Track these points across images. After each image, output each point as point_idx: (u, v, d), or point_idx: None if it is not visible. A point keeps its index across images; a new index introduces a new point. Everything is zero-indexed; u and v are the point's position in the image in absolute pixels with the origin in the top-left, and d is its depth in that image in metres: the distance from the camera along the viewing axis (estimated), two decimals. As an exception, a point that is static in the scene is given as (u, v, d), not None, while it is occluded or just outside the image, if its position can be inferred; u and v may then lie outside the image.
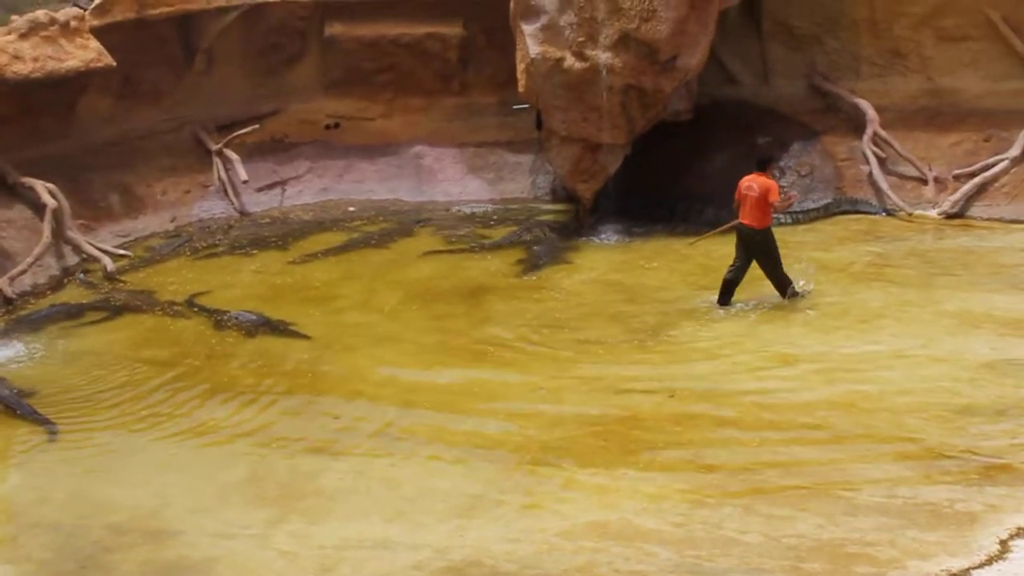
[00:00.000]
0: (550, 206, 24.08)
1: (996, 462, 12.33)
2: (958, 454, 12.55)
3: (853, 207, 22.25)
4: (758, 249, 17.87)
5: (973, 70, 23.20)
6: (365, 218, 23.72)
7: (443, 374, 15.73)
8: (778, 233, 20.51)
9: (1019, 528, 10.94)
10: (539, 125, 22.49)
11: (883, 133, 22.89)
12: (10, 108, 21.15)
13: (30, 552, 11.56)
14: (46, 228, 20.38)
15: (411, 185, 25.06)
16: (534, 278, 19.74)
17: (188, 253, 21.82)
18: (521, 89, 21.87)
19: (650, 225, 22.15)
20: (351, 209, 24.32)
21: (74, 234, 21.11)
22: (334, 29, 25.62)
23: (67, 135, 22.61)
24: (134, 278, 20.45)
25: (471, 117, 25.80)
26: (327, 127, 25.93)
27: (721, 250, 20.15)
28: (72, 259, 20.96)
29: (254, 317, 17.85)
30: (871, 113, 23.14)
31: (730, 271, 17.94)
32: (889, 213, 22.04)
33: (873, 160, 22.65)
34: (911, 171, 22.55)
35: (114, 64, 21.97)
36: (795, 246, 20.54)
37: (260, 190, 24.56)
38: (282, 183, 24.95)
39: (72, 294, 19.68)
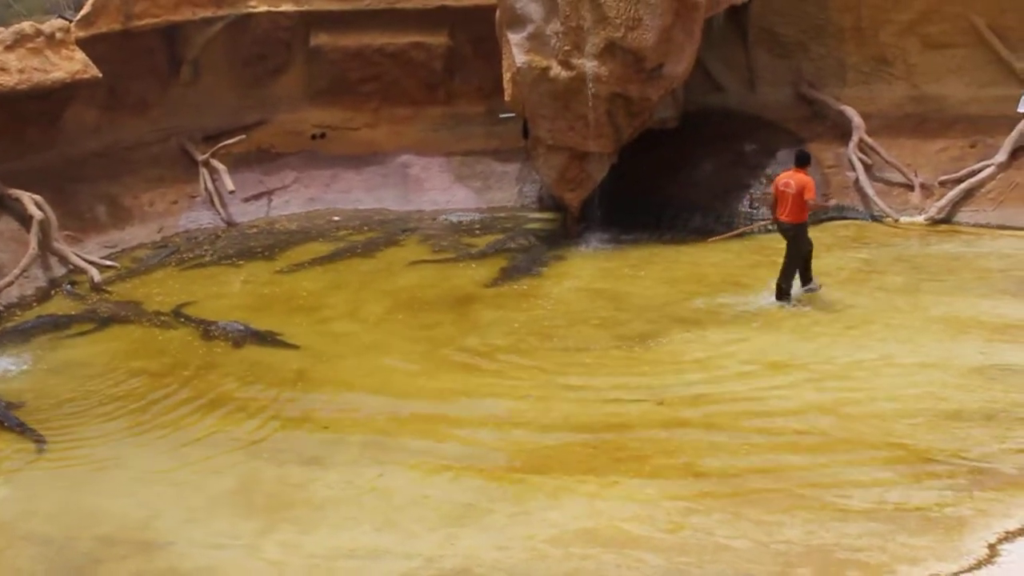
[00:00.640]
0: (537, 215, 24.12)
1: (985, 467, 12.36)
2: (947, 459, 12.57)
3: (840, 214, 22.27)
4: (791, 242, 18.26)
5: (958, 77, 23.28)
6: (352, 228, 23.74)
7: (431, 383, 15.70)
8: (766, 240, 20.69)
9: (1008, 532, 10.96)
10: (526, 134, 22.50)
11: (869, 140, 22.97)
12: (-4, 119, 21.16)
13: (20, 565, 11.52)
14: (33, 240, 20.37)
15: (398, 194, 25.09)
16: (510, 288, 19.70)
17: (175, 264, 21.79)
18: (507, 98, 21.90)
19: (637, 233, 22.19)
20: (337, 219, 24.33)
21: (61, 245, 21.08)
22: (319, 39, 25.66)
23: (53, 146, 22.61)
24: (121, 289, 20.43)
25: (457, 126, 25.84)
26: (313, 137, 25.96)
27: (711, 257, 20.31)
28: (59, 270, 20.94)
29: (241, 327, 17.82)
30: (857, 120, 23.22)
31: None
32: (876, 219, 22.08)
33: (859, 167, 22.73)
34: (897, 177, 22.62)
35: (100, 75, 21.99)
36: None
37: (247, 200, 24.58)
38: (268, 193, 24.96)
39: (59, 305, 19.64)
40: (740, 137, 23.85)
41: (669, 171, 23.29)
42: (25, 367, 17.01)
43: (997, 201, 21.89)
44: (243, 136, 24.95)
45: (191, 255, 22.27)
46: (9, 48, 20.88)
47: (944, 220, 21.60)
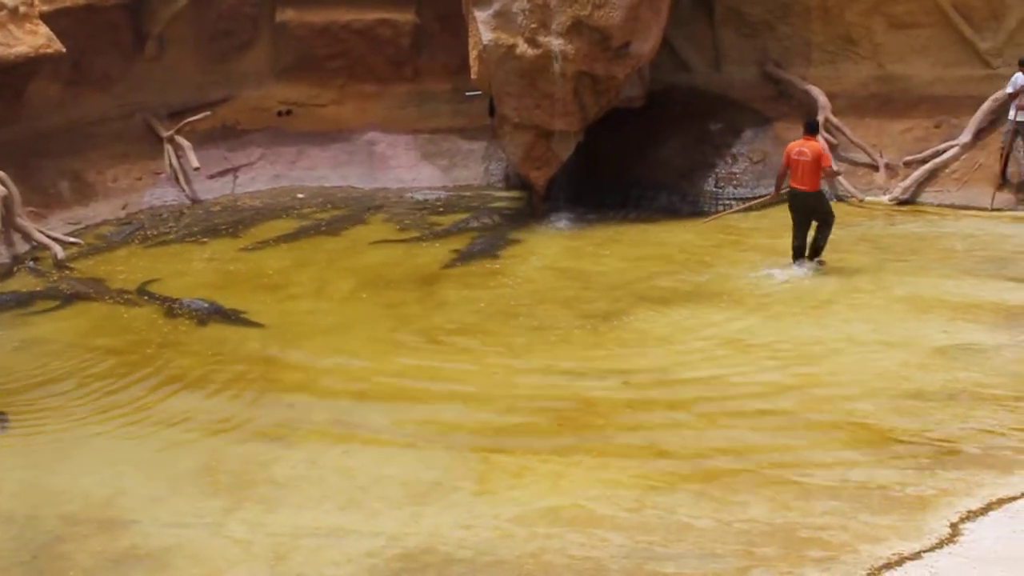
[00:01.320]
0: (503, 193, 24.14)
1: (947, 446, 12.41)
2: (909, 438, 12.62)
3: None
4: (811, 211, 18.56)
5: (923, 57, 23.37)
6: (317, 205, 23.70)
7: (396, 361, 15.67)
8: (730, 220, 20.74)
9: (970, 511, 11.01)
10: (492, 112, 22.47)
11: (834, 119, 23.04)
12: (-42, 94, 21.01)
13: (-19, 542, 11.48)
14: (-5, 216, 20.27)
15: (363, 172, 25.05)
16: (475, 267, 19.69)
17: (139, 241, 21.71)
18: (474, 76, 21.85)
19: (603, 212, 22.26)
20: (303, 196, 24.29)
21: (24, 221, 20.95)
22: (285, 15, 25.58)
23: (16, 121, 22.41)
24: (84, 266, 20.33)
25: (424, 104, 25.80)
26: (279, 114, 25.88)
27: (677, 237, 20.39)
28: (22, 247, 20.82)
29: (206, 305, 17.76)
30: (823, 100, 23.29)
31: (796, 239, 18.70)
32: (840, 199, 22.14)
33: (825, 146, 22.71)
34: (862, 157, 22.72)
35: (64, 50, 21.80)
36: (747, 232, 20.69)
37: (212, 177, 24.49)
38: (234, 170, 24.88)
39: (22, 282, 19.52)
40: (706, 116, 23.89)
41: (635, 150, 23.31)
42: (-12, 344, 16.95)
43: (961, 181, 22.00)
44: (208, 112, 24.85)
45: (155, 232, 22.19)
46: (-28, 23, 20.76)
47: (908, 200, 21.71)
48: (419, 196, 24.14)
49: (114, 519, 11.71)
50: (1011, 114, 21.34)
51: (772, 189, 20.75)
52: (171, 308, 17.89)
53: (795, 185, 18.52)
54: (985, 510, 11.05)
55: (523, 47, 20.81)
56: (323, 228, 22.16)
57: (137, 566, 10.81)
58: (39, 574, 10.80)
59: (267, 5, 25.53)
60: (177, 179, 24.15)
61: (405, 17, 25.61)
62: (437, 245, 20.83)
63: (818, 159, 18.26)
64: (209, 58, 25.60)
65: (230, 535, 11.31)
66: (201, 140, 24.50)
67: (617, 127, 22.43)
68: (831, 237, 18.75)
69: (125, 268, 20.08)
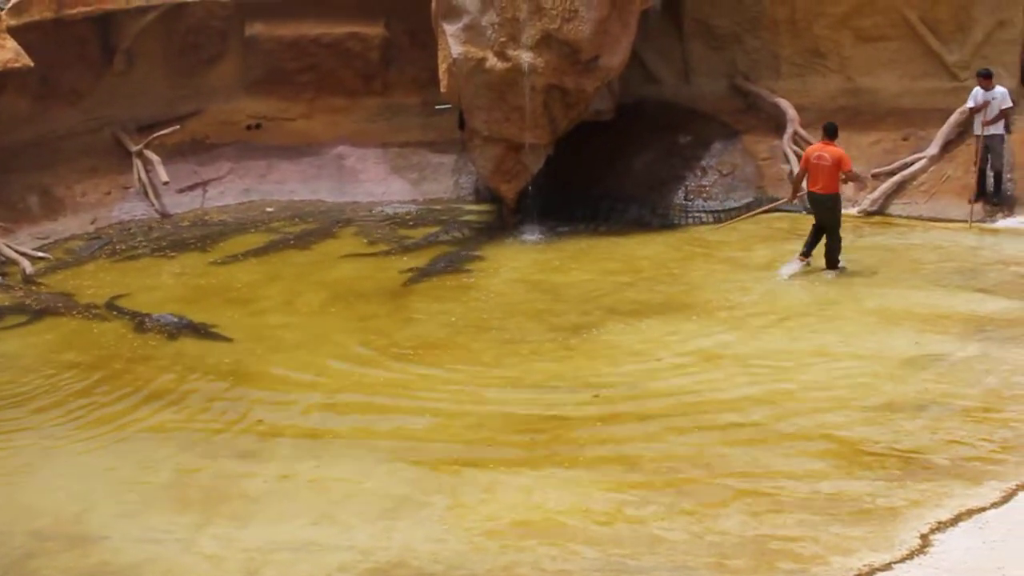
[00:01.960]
0: (473, 206, 24.13)
1: (917, 457, 12.45)
2: (879, 450, 12.65)
3: (774, 206, 22.40)
4: (828, 214, 18.92)
5: (891, 70, 23.46)
6: (287, 219, 23.65)
7: (368, 375, 15.67)
8: (699, 232, 20.80)
9: (940, 522, 11.05)
10: (462, 125, 22.48)
11: (803, 132, 23.10)
12: (-74, 108, 20.93)
13: (-51, 559, 11.42)
14: (-36, 230, 20.19)
15: (333, 186, 25.01)
16: (445, 280, 19.68)
17: (108, 255, 21.65)
18: (443, 89, 21.87)
19: (573, 224, 22.28)
20: (272, 210, 24.24)
21: (-8, 237, 20.89)
22: (255, 29, 25.54)
23: (-16, 135, 22.37)
24: (53, 281, 20.26)
25: (393, 117, 25.78)
26: (248, 127, 25.81)
27: (647, 249, 20.43)
28: (-10, 262, 20.74)
29: (176, 319, 17.71)
30: (791, 112, 23.36)
31: (811, 238, 19.14)
32: (810, 212, 22.16)
33: (794, 159, 22.83)
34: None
35: (32, 64, 21.76)
36: (716, 245, 20.76)
37: (181, 191, 24.42)
38: (203, 184, 24.82)
39: (-10, 297, 19.47)
40: (675, 129, 23.94)
41: (605, 163, 23.35)
42: (-44, 360, 16.87)
43: (929, 193, 22.09)
44: (177, 126, 24.75)
45: (124, 247, 22.13)
46: (-61, 36, 20.68)
47: (877, 212, 21.77)
48: (389, 210, 24.10)
49: (84, 535, 11.67)
50: (976, 129, 21.47)
51: (745, 201, 21.03)
52: (141, 323, 17.83)
53: (814, 188, 18.91)
54: (955, 521, 11.09)
55: (493, 60, 20.83)
56: (293, 242, 22.11)
57: (107, 582, 10.79)
58: (8, 591, 10.76)
59: (236, 19, 25.48)
60: (146, 193, 24.06)
61: (374, 31, 25.60)
62: (406, 259, 20.80)
63: (838, 163, 18.61)
64: (178, 72, 25.52)
65: (201, 550, 11.28)
66: (170, 154, 24.42)
67: (587, 140, 22.47)
68: (794, 250, 18.94)
69: (94, 283, 20.01)
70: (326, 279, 19.93)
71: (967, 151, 21.98)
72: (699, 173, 23.07)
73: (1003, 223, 21.21)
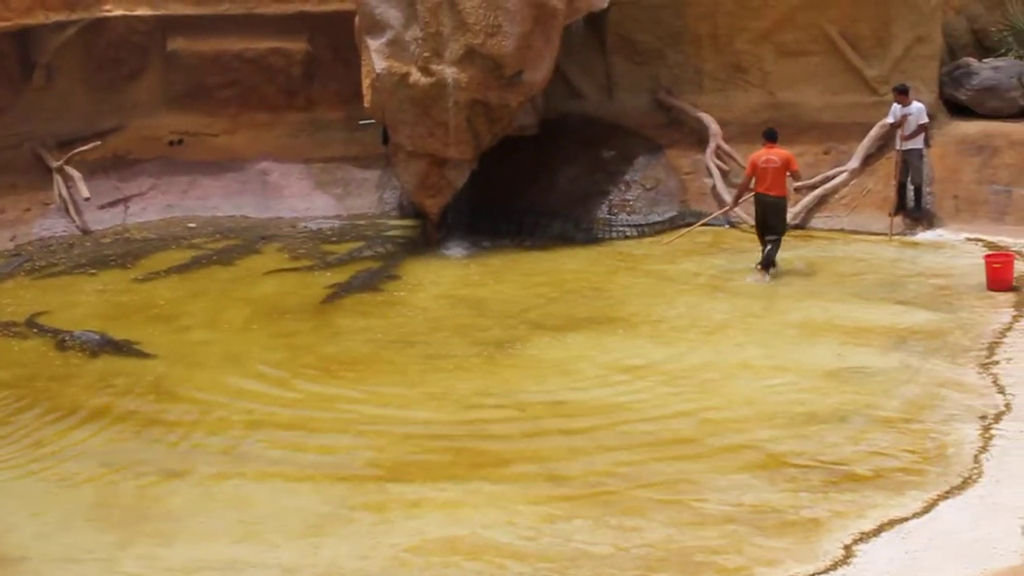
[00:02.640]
0: (398, 222, 24.09)
1: (839, 468, 12.55)
2: (803, 461, 12.74)
3: (697, 220, 22.51)
4: (777, 216, 19.56)
5: (812, 84, 23.68)
6: (210, 235, 23.50)
7: (292, 391, 15.59)
8: (623, 247, 20.88)
9: (863, 533, 11.14)
10: (386, 140, 22.44)
11: (726, 146, 23.28)
12: None
13: None
14: None
15: (257, 201, 24.88)
16: (369, 296, 19.62)
17: (28, 272, 21.39)
18: (367, 104, 21.84)
19: (497, 239, 22.29)
20: (195, 226, 24.08)
21: (-91, 254, 20.63)
22: (176, 44, 25.37)
23: (-98, 151, 22.07)
24: (-28, 299, 20.02)
25: (317, 132, 25.71)
26: (170, 143, 25.62)
27: (571, 264, 20.48)
28: (-93, 279, 20.48)
29: (97, 337, 17.54)
30: (714, 127, 23.52)
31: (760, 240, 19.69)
32: (733, 225, 22.36)
33: (716, 173, 23.03)
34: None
35: (-51, 80, 21.52)
36: (641, 259, 20.85)
37: (102, 208, 24.20)
38: (125, 200, 24.62)
39: (-93, 316, 19.19)
40: (599, 144, 24.00)
41: (529, 178, 23.37)
42: None
43: (850, 207, 22.33)
44: (99, 142, 24.55)
45: (45, 263, 21.89)
46: None
47: (799, 226, 21.93)
48: (313, 225, 24.02)
49: (3, 556, 11.52)
50: (897, 144, 21.71)
51: (669, 215, 21.24)
52: (62, 340, 17.63)
53: (762, 190, 19.45)
54: (878, 531, 11.19)
55: (416, 75, 20.82)
56: (216, 258, 21.98)
57: (28, 604, 10.67)
58: (-74, 614, 10.61)
59: (157, 34, 25.31)
60: (67, 210, 23.83)
61: (297, 46, 25.52)
62: (330, 274, 20.71)
63: (786, 164, 19.38)
64: (99, 87, 25.31)
65: (124, 570, 11.17)
66: (91, 170, 24.22)
67: (511, 155, 22.48)
68: (726, 263, 19.04)
69: (13, 300, 19.76)
70: (250, 295, 19.82)
71: (887, 165, 22.24)
72: (623, 187, 23.15)
73: (922, 236, 21.48)
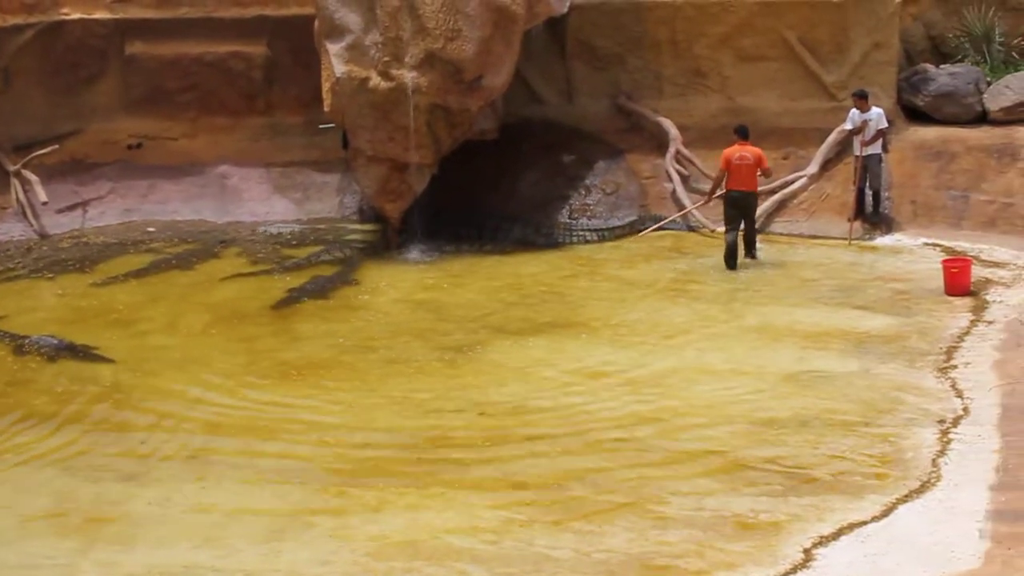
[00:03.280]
0: (358, 226, 24.04)
1: (799, 472, 12.58)
2: (762, 465, 12.77)
3: (657, 224, 22.58)
4: (750, 210, 20.32)
5: (771, 89, 23.78)
6: (169, 239, 23.41)
7: (252, 396, 15.53)
8: (583, 251, 20.92)
9: (822, 536, 11.17)
10: (346, 145, 22.40)
11: (685, 151, 23.36)
12: None
13: None
14: None
15: (216, 205, 24.79)
16: (329, 300, 19.58)
17: (-16, 277, 21.28)
18: (327, 108, 21.82)
19: (458, 244, 22.28)
20: (154, 230, 23.96)
21: None
22: (135, 47, 25.27)
23: None
24: (-72, 303, 19.87)
25: (277, 136, 25.63)
26: (129, 147, 25.50)
27: (531, 268, 20.48)
28: None
29: (55, 341, 17.43)
30: (674, 132, 23.59)
31: (730, 236, 20.15)
32: (692, 230, 22.45)
33: (676, 178, 23.10)
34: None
35: (-95, 83, 21.38)
36: (600, 263, 20.88)
37: (60, 212, 24.08)
38: (83, 204, 24.49)
39: None
40: (559, 148, 24.03)
41: (489, 182, 23.37)
42: None
43: (809, 212, 22.43)
44: (57, 146, 24.46)
45: (2, 268, 21.77)
46: None
47: (758, 230, 21.97)
48: (273, 230, 23.95)
49: (-40, 563, 11.45)
50: (856, 150, 21.83)
51: (629, 219, 21.37)
52: (19, 345, 17.52)
53: (737, 187, 20.06)
54: (837, 535, 11.22)
55: (376, 80, 20.81)
56: (175, 263, 21.90)
57: (-14, 610, 10.59)
58: None
59: (116, 37, 25.19)
60: (24, 214, 23.70)
61: (257, 50, 25.45)
62: (289, 279, 20.65)
63: (759, 160, 19.96)
64: (57, 91, 25.17)
65: (83, 576, 11.12)
66: (49, 174, 24.10)
67: (471, 160, 22.48)
68: (687, 267, 19.16)
69: (-31, 305, 19.66)
70: (209, 300, 19.75)
71: (846, 170, 22.37)
72: (583, 192, 23.19)
73: (881, 241, 21.60)
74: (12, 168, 23.91)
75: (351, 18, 20.90)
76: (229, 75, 25.48)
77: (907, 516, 11.52)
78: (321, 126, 24.18)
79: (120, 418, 14.93)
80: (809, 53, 23.46)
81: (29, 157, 23.99)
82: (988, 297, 18.21)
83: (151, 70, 25.36)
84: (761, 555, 10.91)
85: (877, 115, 21.72)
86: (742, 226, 20.33)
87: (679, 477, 12.64)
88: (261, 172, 25.25)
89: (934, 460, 12.75)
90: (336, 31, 21.00)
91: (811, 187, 22.63)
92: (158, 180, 25.09)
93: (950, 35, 24.69)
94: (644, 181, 23.51)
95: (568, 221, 22.86)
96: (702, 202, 21.99)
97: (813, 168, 22.69)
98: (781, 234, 22.17)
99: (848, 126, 21.96)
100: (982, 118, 23.11)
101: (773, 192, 22.55)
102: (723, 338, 16.95)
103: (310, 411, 14.91)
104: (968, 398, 14.44)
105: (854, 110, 21.82)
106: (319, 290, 19.99)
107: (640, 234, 22.37)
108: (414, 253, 21.99)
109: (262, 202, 24.85)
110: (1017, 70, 23.58)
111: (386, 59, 20.69)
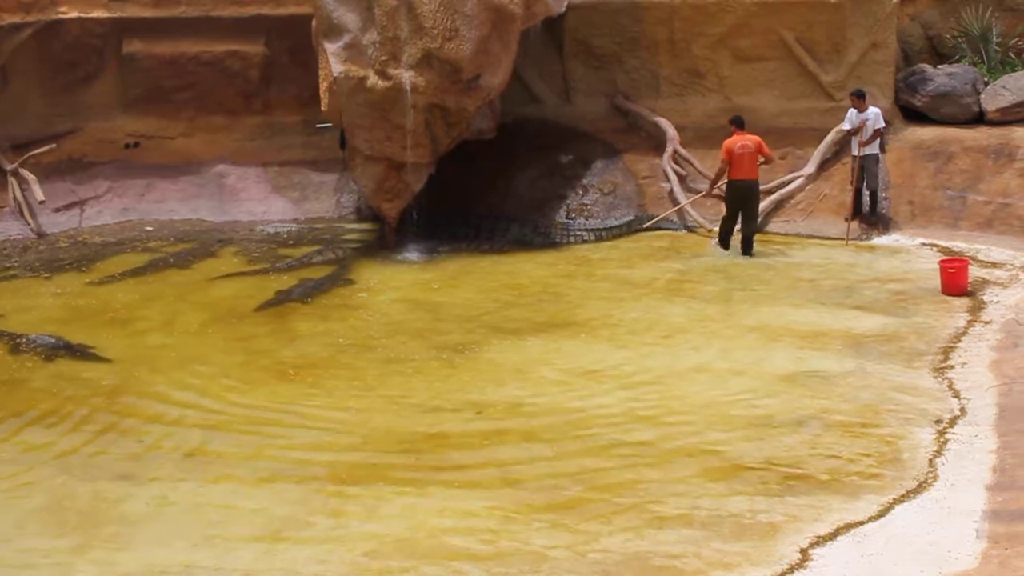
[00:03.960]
0: (355, 225, 24.06)
1: (795, 472, 12.59)
2: (759, 465, 12.78)
3: (660, 216, 22.61)
4: (753, 199, 20.76)
5: (768, 89, 23.82)
6: (166, 239, 23.40)
7: (249, 395, 15.51)
8: (581, 251, 20.91)
9: (819, 537, 11.18)
10: (343, 144, 22.41)
11: (683, 151, 23.38)
12: None
13: None
14: None
15: (213, 205, 24.80)
16: (327, 300, 19.57)
17: (-19, 276, 21.28)
18: (324, 108, 21.82)
19: (455, 243, 22.27)
20: (151, 229, 23.96)
21: None
22: (132, 47, 25.28)
23: None
24: (-75, 302, 19.87)
25: (274, 136, 25.64)
26: (127, 146, 25.51)
27: (528, 267, 20.52)
28: None
29: (52, 340, 17.43)
30: (671, 132, 23.61)
31: (727, 224, 20.90)
32: (690, 230, 22.47)
33: (673, 177, 23.11)
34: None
35: (-98, 82, 21.38)
36: (598, 263, 20.87)
37: (58, 211, 24.07)
38: (81, 203, 24.49)
39: None
40: (556, 148, 24.05)
41: (487, 182, 23.39)
42: None
43: (807, 212, 22.44)
44: (54, 145, 24.45)
45: (-1, 267, 21.81)
46: None
47: (756, 230, 22.00)
48: (270, 229, 23.96)
49: (-43, 561, 11.45)
50: (854, 150, 21.85)
51: (626, 219, 21.47)
52: (16, 344, 17.51)
53: (740, 176, 20.53)
54: (834, 535, 11.24)
55: (374, 79, 20.81)
56: (172, 262, 21.88)
57: (-18, 609, 10.59)
58: None
59: (113, 36, 25.20)
60: (22, 213, 23.70)
61: (255, 49, 25.46)
62: (286, 278, 20.65)
63: (759, 148, 20.46)
64: (54, 90, 25.18)
65: (79, 575, 11.10)
66: (47, 173, 24.10)
67: (469, 159, 22.51)
68: (684, 267, 19.15)
69: (-34, 304, 19.67)
70: (206, 299, 19.74)
71: (843, 170, 22.40)
72: (580, 192, 23.21)
73: (878, 241, 21.63)
74: (9, 167, 23.91)
75: (349, 17, 20.90)
76: (227, 74, 25.49)
77: (904, 516, 11.54)
78: (319, 125, 24.21)
79: (117, 417, 14.90)
80: (807, 53, 23.49)
81: (26, 156, 23.97)
82: (985, 297, 18.23)
83: (149, 69, 25.37)
84: (758, 555, 10.92)
85: (875, 115, 21.75)
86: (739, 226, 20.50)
87: (676, 477, 12.63)
88: (259, 171, 25.25)
89: (931, 460, 12.77)
90: (334, 30, 21.00)
91: (808, 187, 22.65)
92: (155, 179, 25.09)
93: (947, 35, 24.75)
94: (641, 181, 23.53)
95: (565, 221, 22.88)
96: (704, 192, 22.14)
97: (810, 168, 22.71)
98: (778, 234, 22.18)
99: (846, 126, 21.99)
100: (979, 118, 23.16)
101: (770, 192, 22.56)
102: (720, 338, 16.95)
103: (307, 410, 14.90)
104: (965, 398, 14.46)
105: (852, 110, 21.85)
106: (307, 293, 19.93)
107: (645, 227, 22.54)
108: (412, 252, 21.99)
109: (260, 201, 24.85)
110: (1014, 70, 23.62)
111: (384, 58, 20.69)
